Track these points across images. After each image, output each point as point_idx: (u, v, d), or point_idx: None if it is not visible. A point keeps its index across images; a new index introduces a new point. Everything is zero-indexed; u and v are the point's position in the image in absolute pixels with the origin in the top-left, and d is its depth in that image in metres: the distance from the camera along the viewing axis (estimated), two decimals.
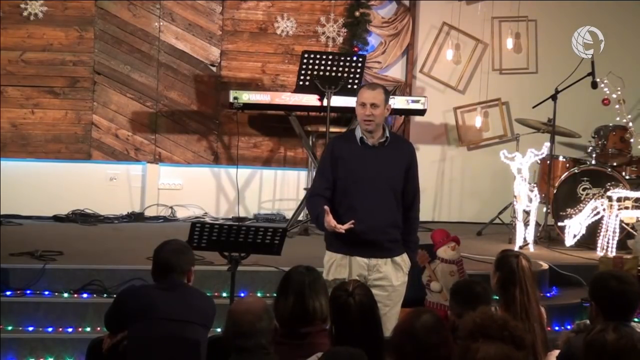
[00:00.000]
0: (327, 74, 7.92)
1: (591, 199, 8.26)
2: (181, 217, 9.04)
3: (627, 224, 8.03)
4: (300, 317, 4.25)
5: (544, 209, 8.49)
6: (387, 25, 9.33)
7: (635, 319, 4.50)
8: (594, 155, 8.55)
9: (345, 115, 8.78)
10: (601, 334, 3.57)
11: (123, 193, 9.06)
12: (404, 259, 5.47)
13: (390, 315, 5.30)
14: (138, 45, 8.99)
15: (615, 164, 8.58)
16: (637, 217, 7.93)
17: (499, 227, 8.78)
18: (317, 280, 4.38)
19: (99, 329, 5.96)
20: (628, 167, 8.65)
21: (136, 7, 8.97)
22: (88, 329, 6.22)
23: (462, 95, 9.54)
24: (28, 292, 6.38)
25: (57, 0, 8.80)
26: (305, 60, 7.93)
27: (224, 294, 6.39)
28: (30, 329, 6.19)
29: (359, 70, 7.99)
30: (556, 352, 4.48)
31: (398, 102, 8.61)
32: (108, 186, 9.02)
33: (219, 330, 5.46)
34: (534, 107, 8.64)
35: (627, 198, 7.94)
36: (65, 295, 6.40)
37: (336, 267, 5.40)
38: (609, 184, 8.30)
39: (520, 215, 8.05)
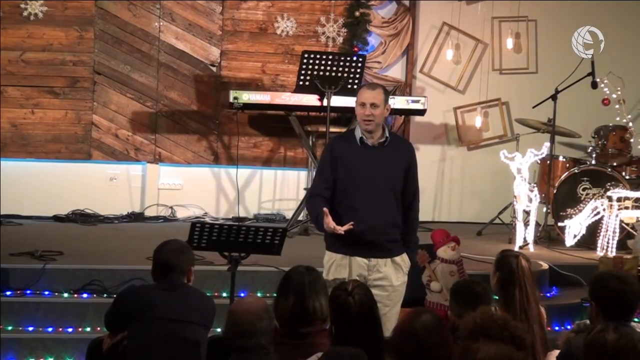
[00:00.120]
0: (327, 74, 7.92)
1: (591, 199, 8.26)
2: (181, 217, 9.04)
3: (627, 224, 8.03)
4: (300, 317, 4.25)
5: (544, 209, 8.49)
6: (387, 25, 9.33)
7: (635, 319, 4.50)
8: (594, 155, 8.55)
9: (345, 115, 8.78)
10: (601, 334, 3.57)
11: (123, 193, 9.06)
12: (403, 259, 5.48)
13: (390, 315, 5.30)
14: (138, 45, 8.99)
15: (615, 164, 8.58)
16: (637, 217, 7.93)
17: (499, 227, 8.78)
18: (317, 280, 4.38)
19: (99, 329, 5.96)
20: (628, 167, 8.65)
21: (136, 7, 8.97)
22: (88, 329, 6.22)
23: (462, 95, 9.54)
24: (28, 292, 6.38)
25: (57, 0, 8.81)
26: (305, 60, 7.93)
27: (224, 294, 6.39)
28: (30, 329, 6.19)
29: (359, 70, 7.99)
30: (556, 352, 4.48)
31: (398, 102, 8.61)
32: (108, 186, 9.02)
33: (219, 330, 5.46)
34: (534, 107, 8.64)
35: (627, 198, 7.94)
36: (65, 295, 6.40)
37: (336, 267, 5.40)
38: (609, 184, 8.30)
39: (520, 215, 8.05)
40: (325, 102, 7.92)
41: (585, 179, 8.44)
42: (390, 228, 5.41)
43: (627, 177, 8.48)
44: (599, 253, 7.77)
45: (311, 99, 8.15)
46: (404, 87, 9.37)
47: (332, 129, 7.99)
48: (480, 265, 7.08)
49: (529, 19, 9.49)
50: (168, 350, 4.52)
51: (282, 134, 9.16)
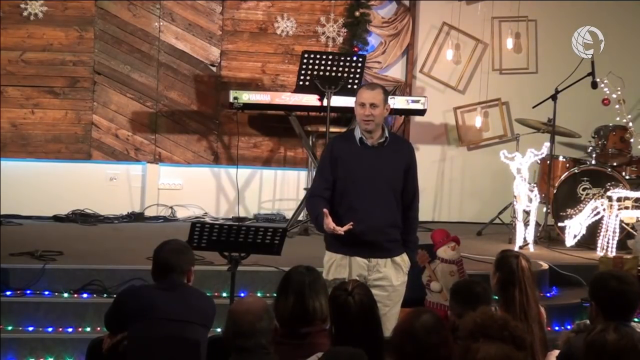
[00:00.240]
0: (327, 74, 7.93)
1: (591, 199, 8.26)
2: (181, 217, 9.03)
3: (627, 224, 8.03)
4: (300, 317, 4.25)
5: (544, 209, 8.49)
6: (387, 25, 9.33)
7: (635, 319, 4.50)
8: (594, 155, 8.55)
9: (345, 115, 8.77)
10: (602, 334, 3.57)
11: (123, 193, 9.06)
12: (403, 259, 5.48)
13: (390, 315, 5.30)
14: (138, 45, 8.99)
15: (615, 164, 8.58)
16: (637, 217, 7.93)
17: (499, 227, 8.78)
18: (317, 280, 4.38)
19: (99, 329, 5.96)
20: (628, 167, 8.65)
21: (136, 7, 8.97)
22: (88, 329, 6.22)
23: (462, 95, 9.54)
24: (28, 292, 6.38)
25: (57, 0, 8.81)
26: (305, 60, 7.93)
27: (224, 294, 6.39)
28: (30, 329, 6.19)
29: (359, 70, 7.99)
30: (556, 352, 4.48)
31: (398, 102, 8.61)
32: (108, 186, 9.02)
33: (219, 330, 5.46)
34: (534, 107, 8.64)
35: (627, 198, 7.94)
36: (65, 295, 6.40)
37: (336, 267, 5.40)
38: (609, 184, 8.30)
39: (520, 215, 8.05)
40: (325, 102, 7.92)
41: (585, 179, 8.44)
42: (390, 228, 5.41)
43: (627, 177, 8.48)
44: (599, 253, 7.77)
45: (311, 99, 8.16)
46: (404, 87, 9.37)
47: (332, 129, 7.99)
48: (480, 265, 7.08)
49: (529, 19, 9.49)
50: (168, 350, 4.52)
51: (282, 134, 9.16)
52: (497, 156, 8.23)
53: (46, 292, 6.41)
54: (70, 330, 6.22)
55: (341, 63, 7.96)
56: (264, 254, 5.65)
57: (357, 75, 7.98)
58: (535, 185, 8.34)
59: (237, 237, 5.41)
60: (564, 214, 8.40)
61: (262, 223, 8.64)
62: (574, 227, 8.16)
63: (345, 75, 7.94)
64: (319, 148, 8.62)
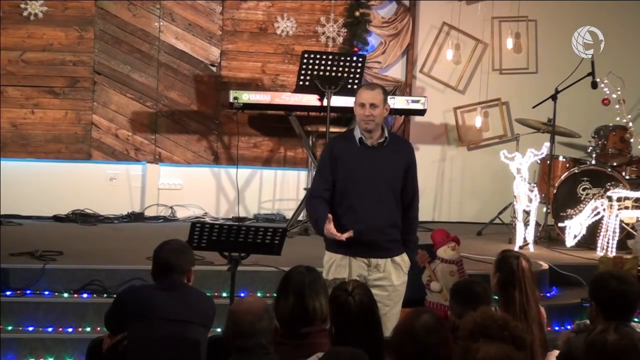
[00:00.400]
0: (327, 74, 7.93)
1: (591, 199, 8.26)
2: (181, 217, 9.03)
3: (627, 224, 8.03)
4: (300, 317, 4.25)
5: (544, 209, 8.49)
6: (387, 25, 9.33)
7: (635, 319, 4.50)
8: (594, 155, 8.55)
9: (345, 115, 8.77)
10: (602, 335, 3.56)
11: (123, 193, 9.06)
12: (403, 259, 5.48)
13: (391, 315, 5.30)
14: (138, 45, 8.99)
15: (615, 164, 8.58)
16: (637, 217, 7.93)
17: (499, 227, 8.78)
18: (317, 280, 4.38)
19: (99, 329, 5.96)
20: (628, 167, 8.65)
21: (136, 7, 8.97)
22: (88, 329, 6.21)
23: (462, 95, 9.54)
24: (28, 292, 6.37)
25: (57, 0, 8.80)
26: (305, 60, 7.93)
27: (224, 294, 6.39)
28: (30, 329, 6.19)
29: (359, 70, 7.99)
30: (556, 352, 4.48)
31: (398, 102, 8.61)
32: (108, 186, 9.02)
33: (219, 330, 5.46)
34: (534, 107, 8.64)
35: (627, 198, 7.94)
36: (65, 295, 6.40)
37: (336, 267, 5.40)
38: (609, 184, 8.29)
39: (520, 215, 8.05)
40: (325, 102, 7.92)
41: (585, 179, 8.44)
42: (390, 228, 5.41)
43: (627, 177, 8.48)
44: (599, 253, 7.77)
45: (311, 99, 8.16)
46: (404, 87, 9.37)
47: (332, 129, 7.99)
48: (480, 265, 7.08)
49: (529, 19, 9.49)
50: (168, 350, 4.52)
51: (282, 134, 9.16)
52: (497, 156, 8.23)
53: (46, 292, 6.41)
54: (70, 330, 6.22)
55: (341, 63, 7.96)
56: (264, 254, 5.65)
57: (357, 75, 7.98)
58: (535, 185, 8.33)
59: (237, 237, 5.41)
60: (564, 214, 8.40)
61: (262, 223, 8.64)
62: (574, 227, 8.16)
63: (345, 75, 7.95)
64: (319, 148, 8.62)
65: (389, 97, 5.77)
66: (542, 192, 8.37)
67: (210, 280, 6.45)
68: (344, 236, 5.22)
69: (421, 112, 8.77)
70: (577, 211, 8.31)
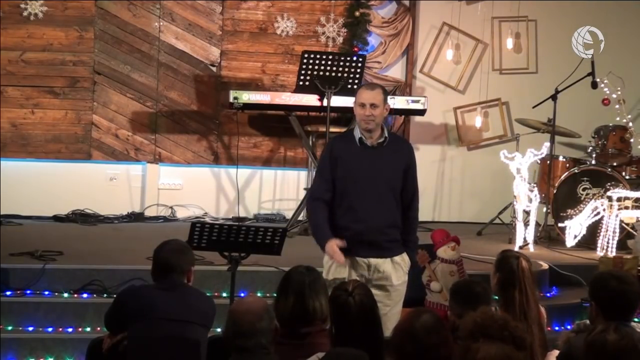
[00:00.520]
0: (327, 74, 7.93)
1: (591, 199, 8.26)
2: (181, 217, 9.03)
3: (627, 224, 8.03)
4: (301, 317, 4.25)
5: (544, 209, 8.49)
6: (387, 25, 9.33)
7: (635, 319, 4.50)
8: (594, 155, 8.55)
9: (345, 115, 8.77)
10: (602, 335, 3.56)
11: (123, 193, 9.06)
12: (403, 259, 5.48)
13: (391, 315, 5.30)
14: (138, 45, 8.99)
15: (615, 164, 8.58)
16: (637, 217, 7.93)
17: (499, 227, 8.78)
18: (317, 280, 4.38)
19: (99, 329, 5.96)
20: (628, 167, 8.65)
21: (136, 7, 8.97)
22: (88, 329, 6.21)
23: (462, 95, 9.53)
24: (28, 292, 6.37)
25: (57, 0, 8.80)
26: (305, 60, 7.93)
27: (224, 294, 6.39)
28: (30, 329, 6.19)
29: (359, 70, 7.99)
30: (556, 352, 4.48)
31: (398, 102, 8.61)
32: (108, 186, 9.02)
33: (219, 330, 5.46)
34: (534, 107, 8.64)
35: (627, 198, 7.94)
36: (65, 295, 6.40)
37: (336, 267, 5.40)
38: (609, 184, 8.29)
39: (520, 215, 8.05)
40: (325, 102, 7.92)
41: (585, 179, 8.44)
42: (390, 228, 5.42)
43: (627, 177, 8.48)
44: (599, 253, 7.77)
45: (311, 99, 8.15)
46: (404, 87, 9.37)
47: (332, 129, 7.99)
48: (480, 265, 7.08)
49: (529, 19, 9.49)
50: (168, 350, 4.52)
51: (282, 134, 9.16)
52: (497, 156, 8.23)
53: (46, 292, 6.41)
54: (70, 330, 6.22)
55: (341, 63, 7.96)
56: (264, 254, 5.65)
57: (357, 75, 7.98)
58: (535, 185, 8.34)
59: (237, 237, 5.41)
60: (564, 214, 8.40)
61: (262, 223, 8.64)
62: (574, 227, 8.16)
63: (345, 75, 7.94)
64: (319, 148, 8.62)
65: (389, 97, 5.77)
66: (542, 192, 8.37)
67: (210, 280, 6.45)
68: (342, 260, 5.24)
69: (421, 112, 8.77)
70: (577, 211, 8.31)
